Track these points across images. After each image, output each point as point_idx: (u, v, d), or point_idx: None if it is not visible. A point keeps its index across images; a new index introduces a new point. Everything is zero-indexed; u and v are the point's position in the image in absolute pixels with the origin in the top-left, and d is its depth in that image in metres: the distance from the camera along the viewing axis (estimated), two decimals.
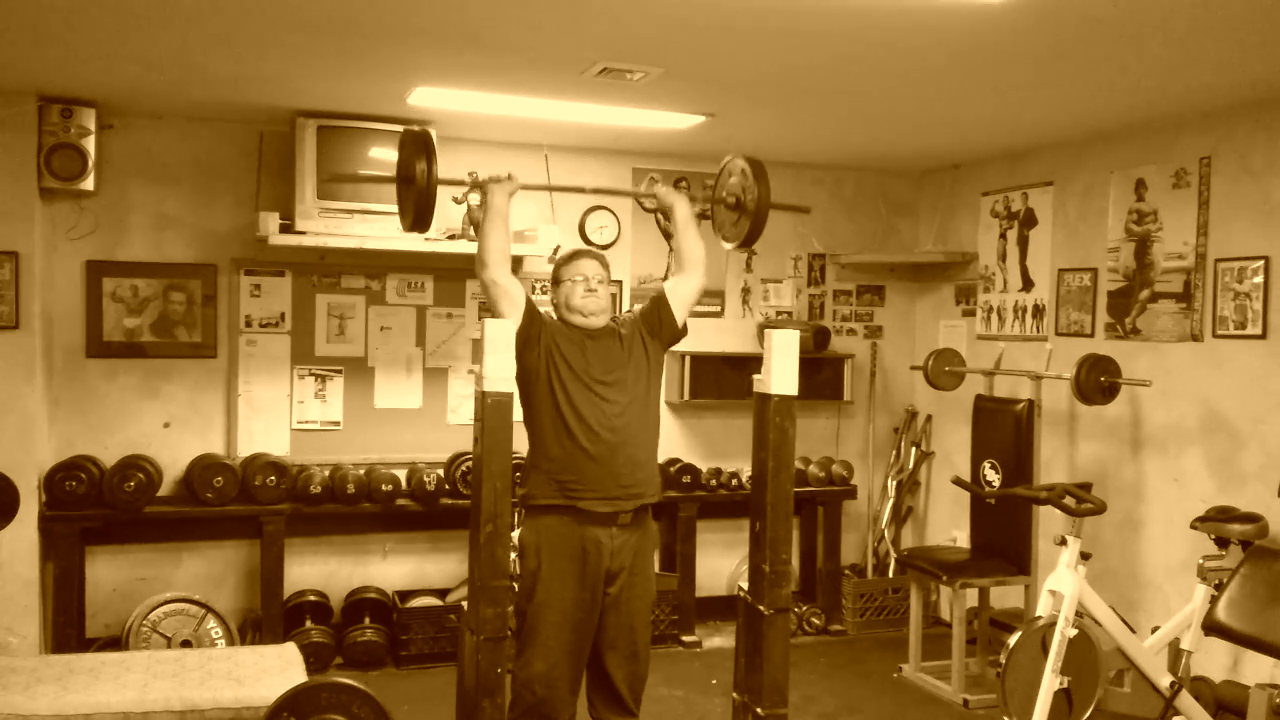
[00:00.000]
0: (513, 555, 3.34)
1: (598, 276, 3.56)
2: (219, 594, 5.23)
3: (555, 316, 3.58)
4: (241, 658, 3.89)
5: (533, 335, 3.42)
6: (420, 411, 5.59)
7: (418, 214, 3.39)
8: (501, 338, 3.02)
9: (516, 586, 3.41)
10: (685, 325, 3.67)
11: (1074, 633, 3.96)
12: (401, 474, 5.34)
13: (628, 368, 3.52)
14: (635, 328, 3.60)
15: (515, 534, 3.43)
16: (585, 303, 3.51)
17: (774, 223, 6.19)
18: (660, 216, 3.78)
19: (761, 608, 3.29)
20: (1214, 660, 4.55)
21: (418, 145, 3.32)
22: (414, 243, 5.14)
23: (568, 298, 3.54)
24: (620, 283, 5.95)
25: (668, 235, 3.76)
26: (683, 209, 3.70)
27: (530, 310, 3.44)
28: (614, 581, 3.45)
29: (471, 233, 5.26)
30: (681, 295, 3.66)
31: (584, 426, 3.39)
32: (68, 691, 3.46)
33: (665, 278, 3.79)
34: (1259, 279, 4.45)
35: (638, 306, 3.75)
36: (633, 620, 3.50)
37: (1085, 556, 4.08)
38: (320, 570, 5.48)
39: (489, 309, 3.50)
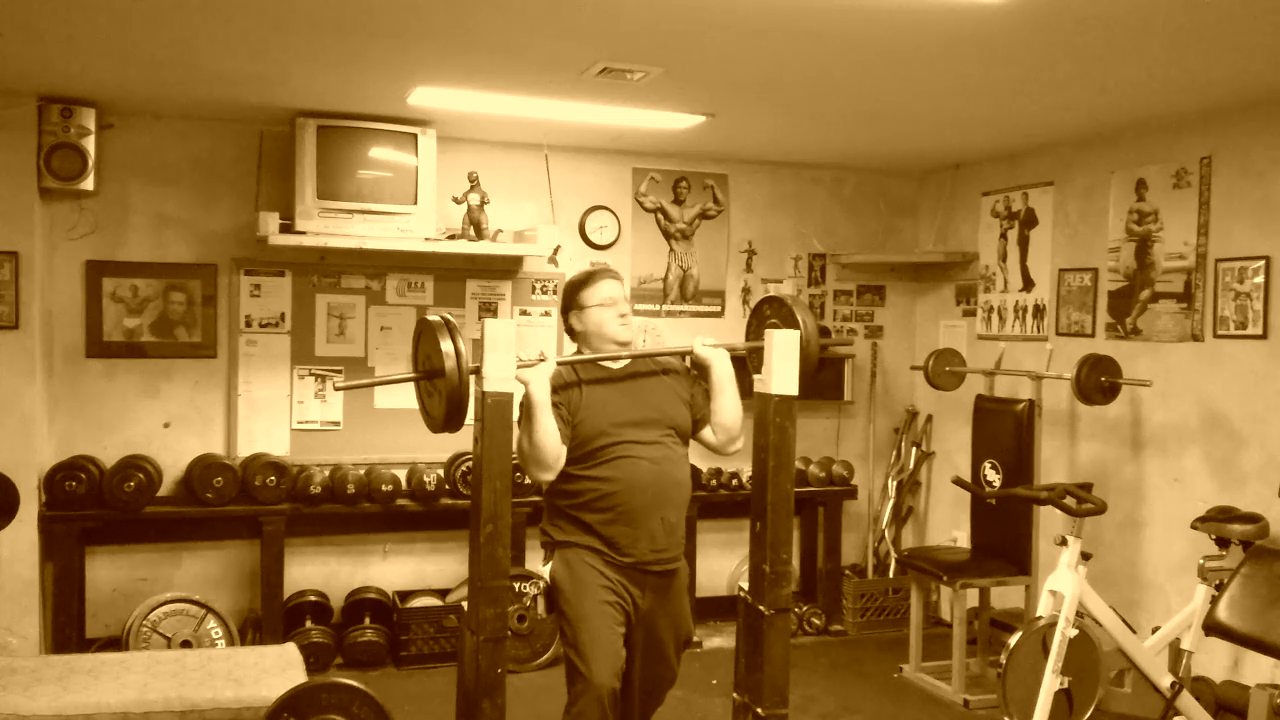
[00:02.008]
0: (539, 597, 3.30)
1: (625, 297, 3.36)
2: (219, 594, 5.22)
3: (573, 354, 3.33)
4: (241, 658, 3.88)
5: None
6: (420, 413, 5.57)
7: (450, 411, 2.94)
8: (501, 337, 3.01)
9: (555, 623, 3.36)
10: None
11: (1074, 633, 3.96)
12: (401, 474, 5.34)
13: (662, 399, 3.33)
14: (678, 383, 3.39)
15: (545, 569, 3.37)
16: (623, 330, 3.30)
17: (775, 223, 6.26)
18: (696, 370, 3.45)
19: (762, 608, 3.28)
20: (1215, 660, 4.54)
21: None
22: (414, 243, 5.15)
23: (601, 326, 3.31)
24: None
25: (700, 372, 3.44)
26: (721, 368, 3.34)
27: (567, 407, 3.22)
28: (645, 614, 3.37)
29: (472, 233, 5.31)
30: (702, 435, 3.42)
31: (624, 473, 3.23)
32: (68, 692, 3.46)
33: (701, 419, 3.42)
34: (1260, 279, 4.45)
35: (683, 372, 3.45)
36: (663, 638, 3.42)
37: (1086, 557, 4.08)
38: (320, 570, 5.47)
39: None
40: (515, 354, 3.02)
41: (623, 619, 3.29)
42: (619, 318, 3.30)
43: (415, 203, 5.15)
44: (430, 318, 3.04)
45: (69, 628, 4.86)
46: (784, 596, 3.28)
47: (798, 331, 3.28)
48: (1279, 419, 4.40)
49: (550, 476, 3.22)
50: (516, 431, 3.06)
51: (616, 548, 3.28)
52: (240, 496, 5.06)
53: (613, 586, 3.28)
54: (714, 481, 5.82)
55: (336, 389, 3.50)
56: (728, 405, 3.35)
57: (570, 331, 3.46)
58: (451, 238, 5.32)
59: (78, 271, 5.07)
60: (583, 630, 3.23)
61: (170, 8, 3.41)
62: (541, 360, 3.11)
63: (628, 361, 3.38)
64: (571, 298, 3.40)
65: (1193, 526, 4.40)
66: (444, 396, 2.96)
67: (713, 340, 3.38)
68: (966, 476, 5.19)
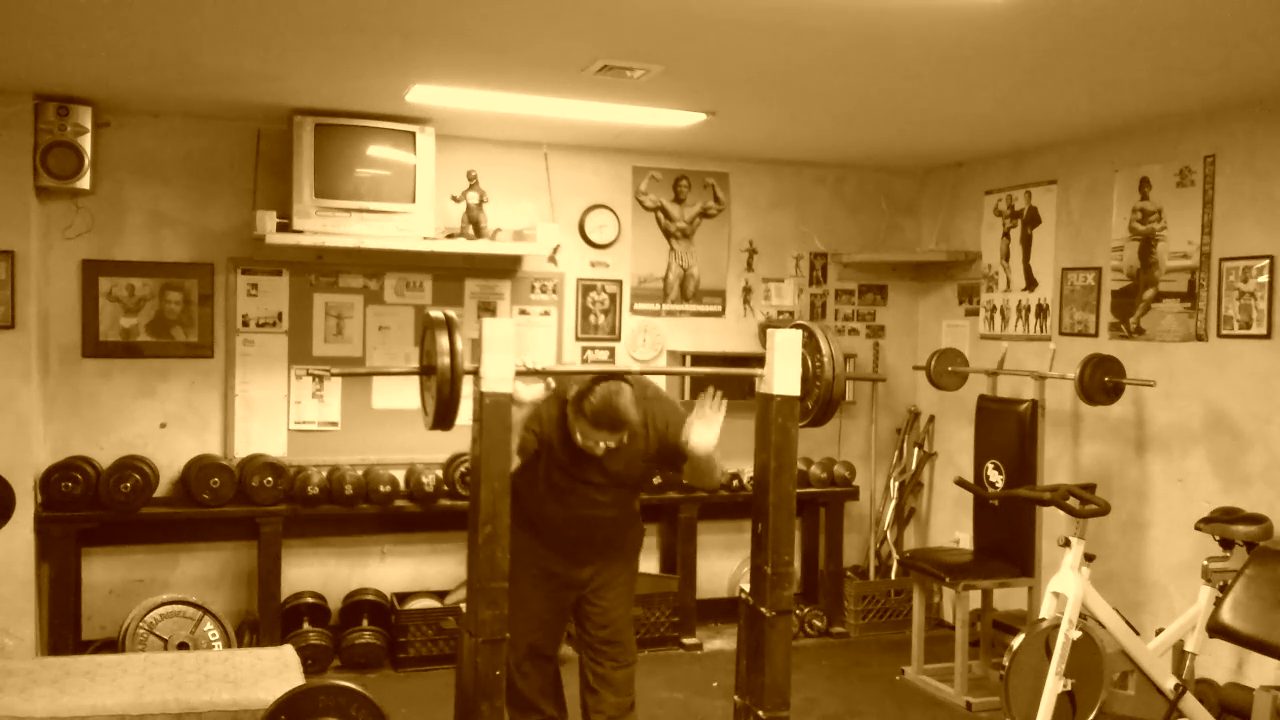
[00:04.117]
0: None
1: (612, 444, 3.38)
2: (216, 596, 5.20)
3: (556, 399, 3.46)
4: (239, 660, 3.86)
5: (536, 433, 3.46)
6: (418, 412, 5.51)
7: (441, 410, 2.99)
8: (501, 337, 2.99)
9: None
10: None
11: (1078, 635, 3.94)
12: (399, 475, 5.31)
13: (621, 465, 3.53)
14: (645, 441, 3.53)
15: None
16: (590, 448, 3.40)
17: (776, 222, 6.24)
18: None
19: (763, 609, 3.26)
20: (1219, 662, 4.52)
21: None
22: (412, 242, 5.13)
23: (574, 434, 3.39)
24: (620, 282, 5.92)
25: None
26: (702, 449, 3.39)
27: (533, 424, 3.40)
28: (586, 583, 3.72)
29: (471, 231, 5.28)
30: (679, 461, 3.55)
31: (556, 513, 3.58)
32: (64, 694, 3.44)
33: (685, 439, 3.44)
34: (1264, 278, 4.42)
35: (665, 429, 3.55)
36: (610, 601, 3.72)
37: (1089, 558, 4.06)
38: (318, 572, 5.45)
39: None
40: (514, 354, 3.00)
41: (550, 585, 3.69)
42: (590, 446, 3.37)
43: (413, 201, 5.12)
44: (432, 313, 3.03)
45: (65, 629, 4.83)
46: (786, 598, 3.25)
47: (800, 332, 3.26)
48: None
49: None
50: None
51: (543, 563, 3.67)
52: (237, 497, 5.03)
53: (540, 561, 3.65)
54: None
55: (333, 374, 3.55)
56: (701, 475, 3.49)
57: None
58: (450, 237, 5.29)
59: (74, 271, 5.04)
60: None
61: (167, 5, 3.38)
62: (542, 377, 3.24)
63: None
64: (570, 406, 3.41)
65: (1196, 528, 4.38)
66: (434, 393, 2.94)
67: (710, 417, 3.38)
68: (969, 477, 5.17)
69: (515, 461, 3.26)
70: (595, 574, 3.71)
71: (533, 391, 3.22)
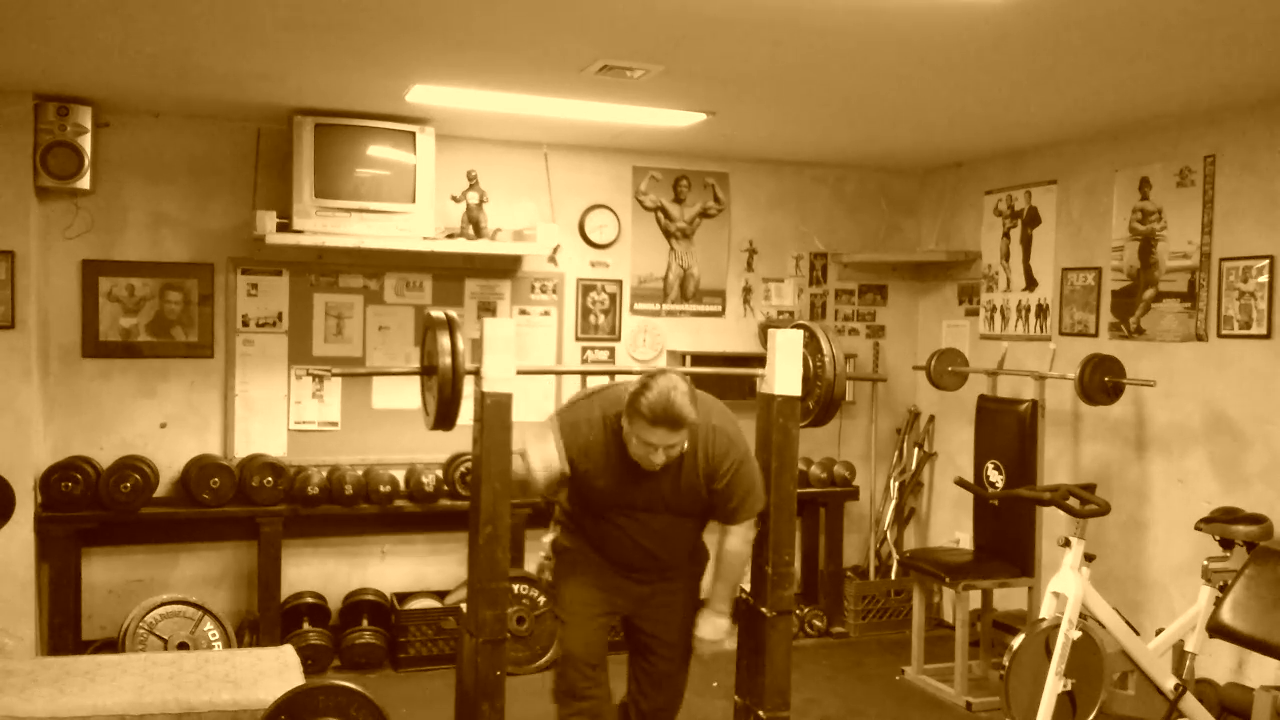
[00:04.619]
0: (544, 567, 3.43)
1: (670, 445, 3.11)
2: (216, 596, 5.19)
3: (604, 424, 3.23)
4: (239, 660, 3.87)
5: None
6: (418, 412, 5.52)
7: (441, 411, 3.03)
8: (501, 337, 2.99)
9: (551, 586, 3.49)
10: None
11: (1078, 635, 3.94)
12: (400, 475, 5.31)
13: (678, 498, 3.28)
14: (695, 469, 3.24)
15: (547, 539, 3.50)
16: (645, 458, 3.13)
17: (776, 222, 6.23)
18: None
19: (764, 609, 3.26)
20: (1218, 662, 4.52)
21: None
22: (412, 242, 5.12)
23: (630, 442, 3.14)
24: (620, 282, 5.92)
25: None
26: (708, 638, 3.41)
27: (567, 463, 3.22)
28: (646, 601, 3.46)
29: (471, 231, 5.28)
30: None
31: (612, 536, 3.35)
32: (64, 694, 3.44)
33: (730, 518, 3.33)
34: (1264, 278, 4.42)
35: (720, 465, 3.25)
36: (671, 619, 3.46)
37: (1089, 558, 4.05)
38: (318, 572, 5.44)
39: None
40: (514, 354, 3.00)
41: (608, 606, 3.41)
42: (648, 451, 3.11)
43: (413, 201, 5.12)
44: (434, 313, 3.03)
45: (65, 629, 4.83)
46: (786, 598, 3.26)
47: (801, 333, 3.26)
48: None
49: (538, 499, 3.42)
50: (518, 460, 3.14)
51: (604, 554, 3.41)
52: (237, 497, 5.03)
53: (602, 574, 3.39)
54: None
55: (333, 374, 3.54)
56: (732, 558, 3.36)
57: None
58: (450, 237, 5.29)
59: (74, 271, 5.04)
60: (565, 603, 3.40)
61: (168, 6, 3.38)
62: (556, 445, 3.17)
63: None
64: (626, 403, 3.16)
65: (1196, 528, 4.38)
66: (436, 393, 2.95)
67: (716, 622, 3.40)
68: (969, 477, 5.17)
69: (540, 484, 3.19)
70: (653, 595, 3.44)
71: (548, 459, 3.15)
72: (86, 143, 4.79)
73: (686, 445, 3.16)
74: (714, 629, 3.37)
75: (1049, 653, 3.91)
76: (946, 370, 5.63)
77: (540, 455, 3.14)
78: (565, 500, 3.42)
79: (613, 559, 3.37)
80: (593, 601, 3.37)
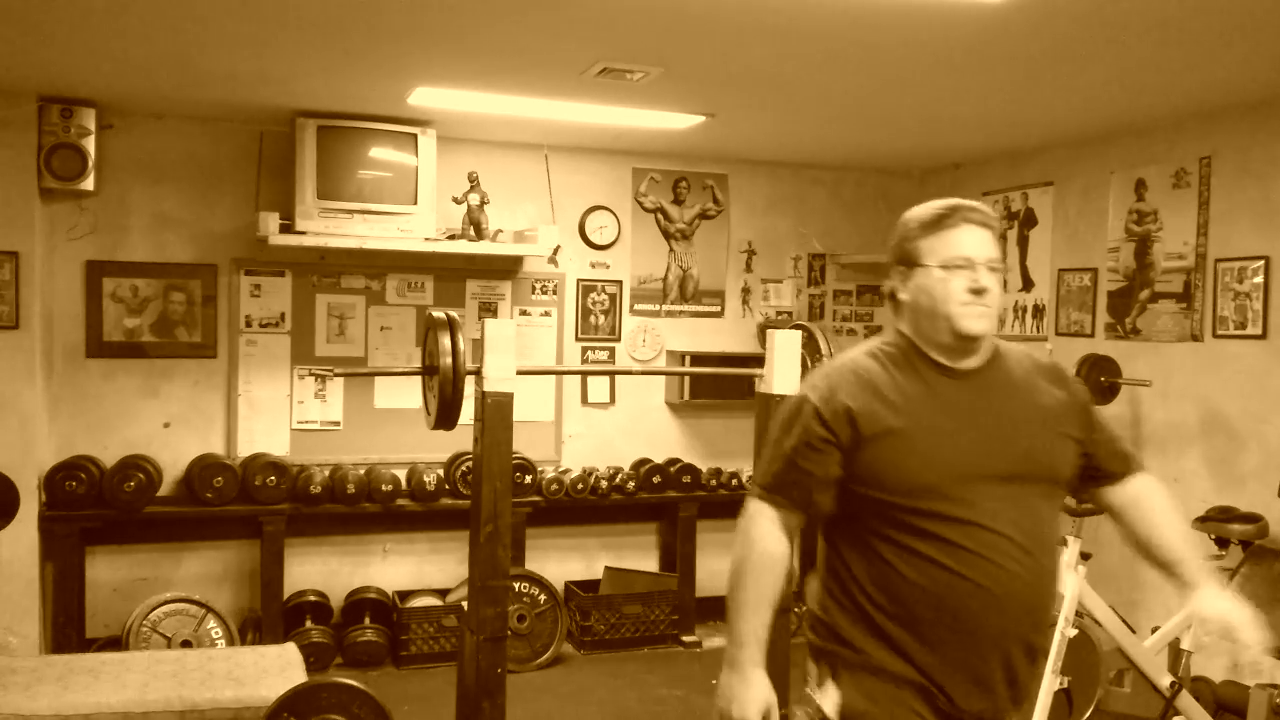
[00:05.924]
0: None
1: (987, 259, 2.02)
2: (219, 594, 5.22)
3: (884, 350, 2.10)
4: (241, 658, 3.89)
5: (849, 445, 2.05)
6: (420, 411, 5.55)
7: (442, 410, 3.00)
8: (501, 337, 3.02)
9: None
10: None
11: (1074, 633, 3.96)
12: (401, 474, 5.34)
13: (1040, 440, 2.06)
14: (1067, 400, 2.16)
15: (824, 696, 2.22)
16: (969, 315, 2.00)
17: (774, 223, 6.26)
18: None
19: None
20: (1214, 661, 4.54)
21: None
22: (414, 243, 5.15)
23: (937, 304, 2.01)
24: (620, 283, 5.95)
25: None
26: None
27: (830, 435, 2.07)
28: None
29: (472, 233, 5.31)
30: (1091, 493, 2.34)
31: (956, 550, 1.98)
32: (68, 691, 3.46)
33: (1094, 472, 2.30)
34: (1259, 279, 4.45)
35: (1060, 368, 2.28)
36: None
37: (1085, 556, 4.07)
38: (320, 570, 5.47)
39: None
40: (514, 354, 3.03)
41: None
42: (971, 287, 1.99)
43: (415, 203, 5.15)
44: (435, 314, 3.05)
45: (69, 628, 4.86)
46: (785, 596, 3.28)
47: (799, 333, 3.29)
48: (1278, 419, 4.40)
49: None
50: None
51: (947, 694, 2.01)
52: (240, 496, 5.06)
53: None
54: (714, 481, 5.83)
55: (335, 374, 3.56)
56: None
57: (893, 300, 2.14)
58: (451, 238, 5.32)
59: (78, 272, 5.07)
60: None
61: (171, 8, 3.41)
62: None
63: (981, 355, 2.08)
64: (903, 248, 2.08)
65: (1192, 526, 4.40)
66: (437, 393, 2.98)
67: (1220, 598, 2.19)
68: None
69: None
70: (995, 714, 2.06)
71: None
72: (90, 144, 4.82)
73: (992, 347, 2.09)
74: (1235, 610, 2.14)
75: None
76: None
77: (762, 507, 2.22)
78: (848, 552, 2.13)
79: (961, 653, 2.00)
80: None
